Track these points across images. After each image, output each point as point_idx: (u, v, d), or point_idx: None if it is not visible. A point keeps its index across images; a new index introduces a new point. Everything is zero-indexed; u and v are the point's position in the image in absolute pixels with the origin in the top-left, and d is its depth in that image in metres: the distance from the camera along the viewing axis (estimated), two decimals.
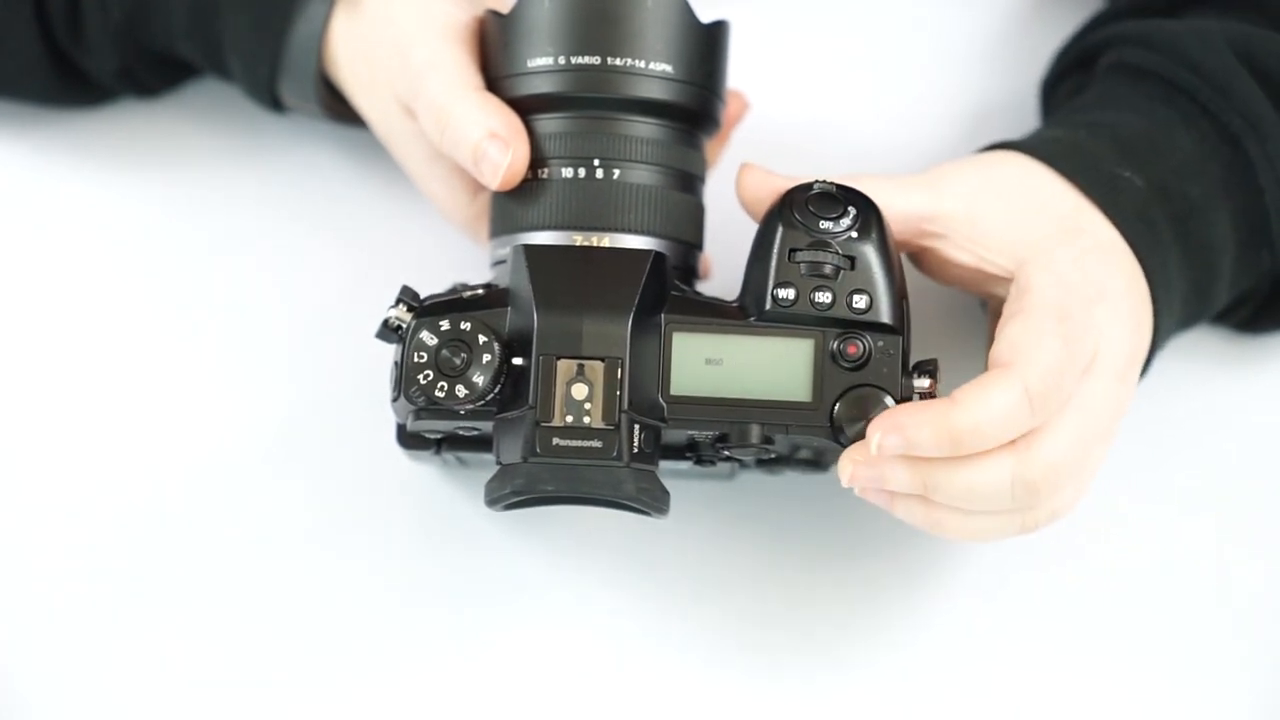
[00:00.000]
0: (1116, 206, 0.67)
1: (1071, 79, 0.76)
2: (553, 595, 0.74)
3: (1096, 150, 0.68)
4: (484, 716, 0.73)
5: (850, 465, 0.63)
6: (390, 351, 0.66)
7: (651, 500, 0.62)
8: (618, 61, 0.65)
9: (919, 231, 0.67)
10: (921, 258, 0.69)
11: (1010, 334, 0.63)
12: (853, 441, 0.63)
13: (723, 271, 0.71)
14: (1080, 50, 0.75)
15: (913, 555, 0.74)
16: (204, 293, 0.78)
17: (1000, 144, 0.70)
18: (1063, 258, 0.65)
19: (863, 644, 0.73)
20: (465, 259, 0.75)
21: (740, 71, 0.70)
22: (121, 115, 0.81)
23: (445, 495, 0.75)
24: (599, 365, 0.62)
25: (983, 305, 0.72)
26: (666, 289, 0.64)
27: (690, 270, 0.67)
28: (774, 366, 0.64)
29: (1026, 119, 0.79)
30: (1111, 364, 0.64)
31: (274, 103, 0.76)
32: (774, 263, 0.64)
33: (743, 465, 0.69)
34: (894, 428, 0.61)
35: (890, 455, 0.62)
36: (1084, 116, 0.71)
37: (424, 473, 0.75)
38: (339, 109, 0.75)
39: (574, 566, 0.74)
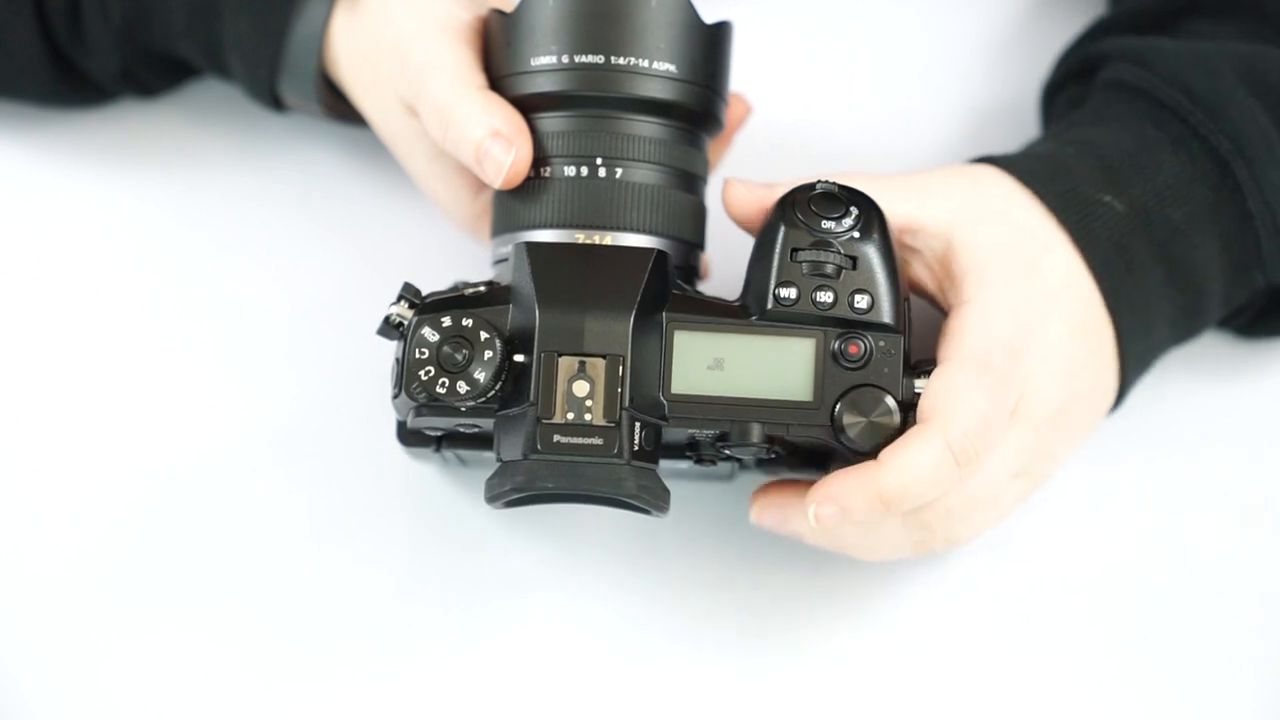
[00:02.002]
0: (1089, 236, 0.67)
1: (1071, 89, 0.76)
2: (552, 594, 0.74)
3: (1080, 172, 0.68)
4: (483, 714, 0.73)
5: (759, 511, 0.68)
6: (391, 350, 0.66)
7: (652, 498, 0.62)
8: (621, 61, 0.65)
9: (895, 238, 0.67)
10: None
11: (934, 385, 0.64)
12: (854, 440, 0.63)
13: (723, 271, 0.71)
14: (1080, 60, 0.75)
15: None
16: (205, 292, 0.78)
17: (990, 158, 0.70)
18: (1003, 302, 0.65)
19: (863, 644, 0.73)
20: (466, 258, 0.75)
21: (742, 73, 0.71)
22: (121, 115, 0.81)
23: (445, 493, 0.75)
24: (600, 362, 0.62)
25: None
26: (668, 287, 0.64)
27: (692, 270, 0.68)
28: (775, 366, 0.64)
29: (1027, 122, 0.79)
30: (1035, 410, 0.65)
31: (274, 102, 0.76)
32: (776, 262, 0.64)
33: (743, 465, 0.69)
34: (828, 498, 0.63)
35: (829, 525, 0.63)
36: (1075, 133, 0.71)
37: (424, 471, 0.75)
38: (340, 108, 0.75)
39: (573, 566, 0.74)
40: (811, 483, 0.65)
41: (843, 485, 0.63)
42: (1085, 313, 0.67)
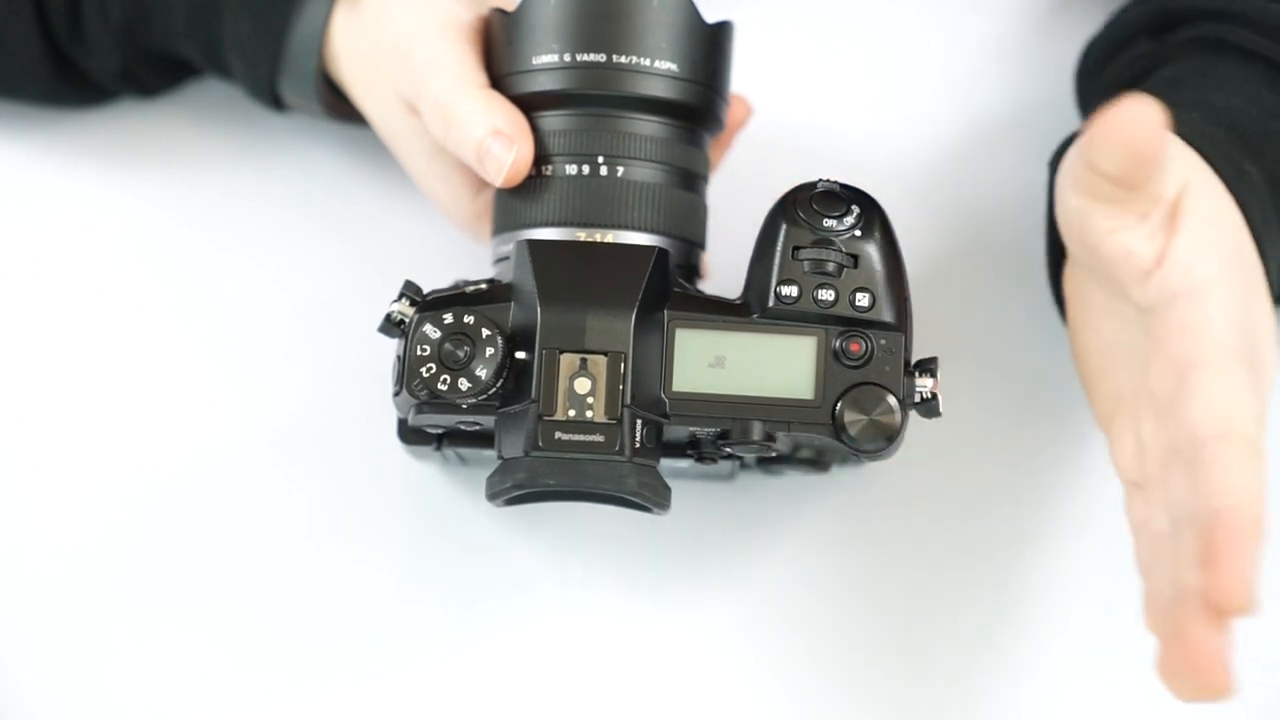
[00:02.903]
0: (1245, 204, 0.64)
1: (1142, 44, 0.73)
2: (552, 593, 0.74)
3: (1218, 137, 0.65)
4: (483, 713, 0.73)
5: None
6: (392, 349, 0.66)
7: (653, 495, 0.63)
8: (623, 59, 0.65)
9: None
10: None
11: (1217, 390, 0.59)
12: (855, 439, 0.63)
13: (724, 272, 0.71)
14: (1156, 15, 0.72)
15: (913, 557, 0.74)
16: (205, 292, 0.78)
17: None
18: (1230, 287, 0.62)
19: (863, 645, 0.73)
20: (467, 258, 0.75)
21: (744, 74, 0.71)
22: (121, 115, 0.81)
23: (446, 493, 0.75)
24: (602, 360, 0.62)
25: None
26: (669, 286, 0.64)
27: (693, 269, 0.68)
28: (777, 364, 0.64)
29: (1029, 123, 0.79)
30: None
31: (275, 102, 0.76)
32: (777, 260, 0.64)
33: (743, 464, 0.69)
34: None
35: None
36: (1183, 95, 0.68)
37: (425, 470, 0.75)
38: (340, 108, 0.75)
39: (574, 564, 0.74)
40: None
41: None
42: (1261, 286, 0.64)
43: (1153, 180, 0.60)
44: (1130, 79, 0.72)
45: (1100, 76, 0.75)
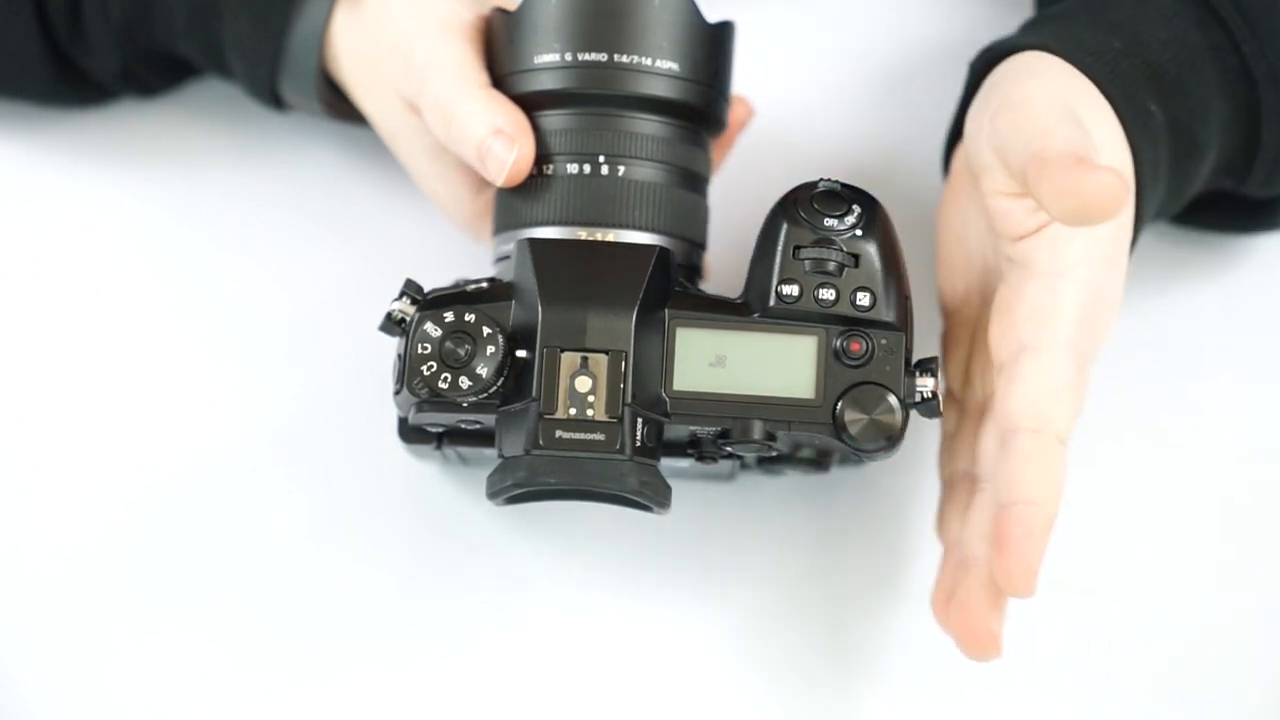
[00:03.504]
0: (1139, 146, 0.66)
1: None
2: (552, 592, 0.74)
3: (1132, 75, 0.67)
4: (484, 712, 0.73)
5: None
6: (392, 349, 0.66)
7: (653, 494, 0.63)
8: (624, 59, 0.65)
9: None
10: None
11: (1035, 382, 0.63)
12: (855, 438, 0.63)
13: (725, 271, 0.71)
14: None
15: (913, 557, 0.74)
16: (205, 291, 0.78)
17: (1036, 44, 0.68)
18: (1085, 266, 0.64)
19: (863, 645, 0.73)
20: (467, 258, 0.75)
21: (745, 76, 0.71)
22: (121, 115, 0.81)
23: (446, 492, 0.75)
24: (603, 358, 0.62)
25: None
26: (670, 285, 0.64)
27: (694, 268, 0.68)
28: (777, 363, 0.64)
29: None
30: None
31: (275, 101, 0.76)
32: (778, 259, 0.64)
33: (743, 464, 0.69)
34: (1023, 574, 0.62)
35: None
36: (1112, 16, 0.69)
37: (425, 470, 0.75)
38: (340, 107, 0.75)
39: (574, 564, 0.74)
40: None
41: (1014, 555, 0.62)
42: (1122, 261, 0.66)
43: None
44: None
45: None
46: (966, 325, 0.70)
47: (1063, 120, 0.63)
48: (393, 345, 0.65)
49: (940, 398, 0.64)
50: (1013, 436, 0.63)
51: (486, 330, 0.63)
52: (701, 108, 0.67)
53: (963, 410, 0.69)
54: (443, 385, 0.63)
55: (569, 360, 0.62)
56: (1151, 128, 0.66)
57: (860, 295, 0.64)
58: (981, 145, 0.66)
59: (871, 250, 0.64)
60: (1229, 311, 0.77)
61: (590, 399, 0.62)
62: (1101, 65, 0.66)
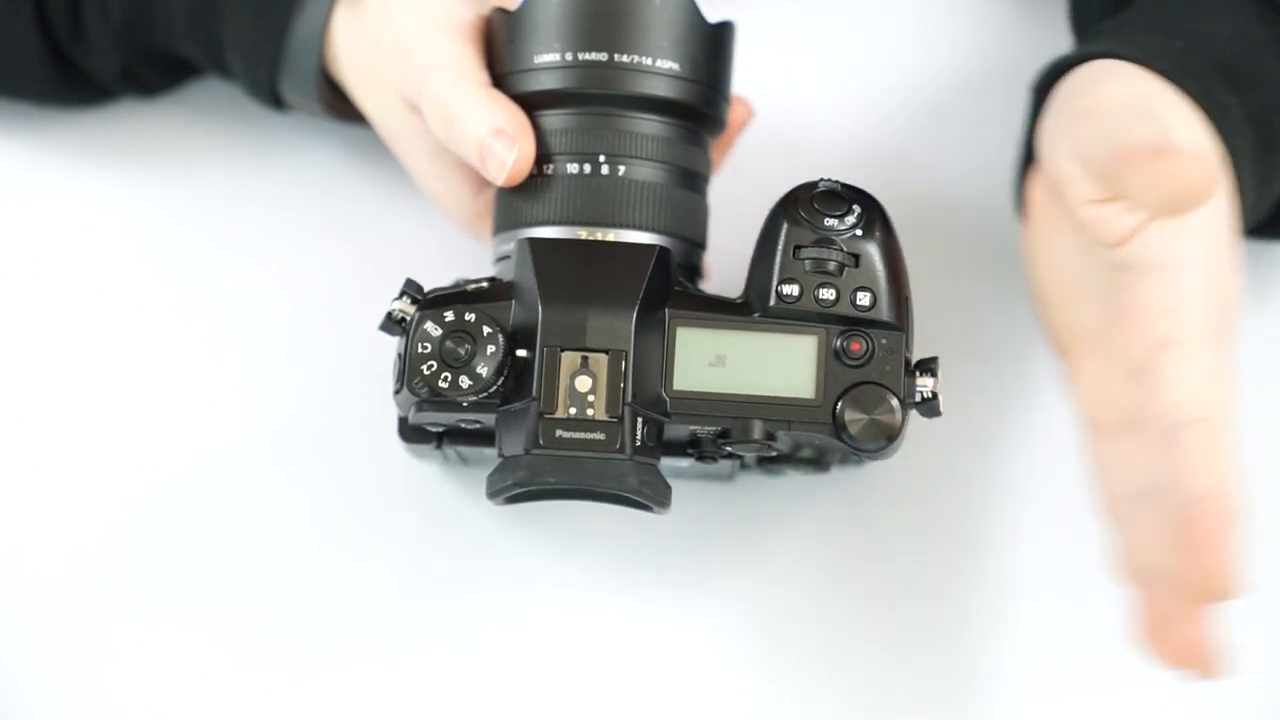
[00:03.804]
0: (1230, 136, 0.65)
1: None
2: (553, 592, 0.74)
3: (1201, 71, 0.66)
4: (484, 712, 0.73)
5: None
6: (392, 349, 0.66)
7: (653, 494, 0.63)
8: (625, 58, 0.65)
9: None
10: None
11: (1185, 374, 0.60)
12: (855, 438, 0.63)
13: (725, 271, 0.71)
14: None
15: (913, 557, 0.74)
16: (205, 291, 0.78)
17: (1100, 52, 0.67)
18: (1204, 255, 0.63)
19: (864, 646, 0.73)
20: (467, 257, 0.75)
21: (745, 76, 0.71)
22: (121, 115, 0.81)
23: (446, 492, 0.75)
24: (603, 358, 0.62)
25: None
26: (670, 284, 0.64)
27: (694, 268, 0.68)
28: (777, 363, 0.64)
29: None
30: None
31: (275, 101, 0.76)
32: (778, 259, 0.64)
33: (743, 464, 0.69)
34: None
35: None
36: (1167, 20, 0.68)
37: (425, 470, 0.75)
38: (340, 107, 0.75)
39: (574, 564, 0.74)
40: None
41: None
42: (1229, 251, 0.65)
43: None
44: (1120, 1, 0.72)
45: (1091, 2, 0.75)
46: (1095, 356, 0.66)
47: (1140, 116, 0.62)
48: (393, 345, 0.65)
49: (940, 397, 0.64)
50: (1176, 432, 0.60)
51: (487, 330, 0.63)
52: (701, 108, 0.67)
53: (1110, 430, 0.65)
54: (443, 385, 0.63)
55: (569, 360, 0.62)
56: (1232, 119, 0.65)
57: (860, 295, 0.64)
58: (1060, 158, 0.64)
59: (872, 250, 0.64)
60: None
61: (590, 398, 0.62)
62: (1170, 64, 0.65)
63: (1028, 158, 0.70)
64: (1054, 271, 0.67)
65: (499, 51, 0.67)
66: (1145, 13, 0.70)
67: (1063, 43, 0.78)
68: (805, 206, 0.64)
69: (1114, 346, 0.64)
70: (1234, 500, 0.59)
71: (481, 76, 0.67)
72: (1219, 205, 0.63)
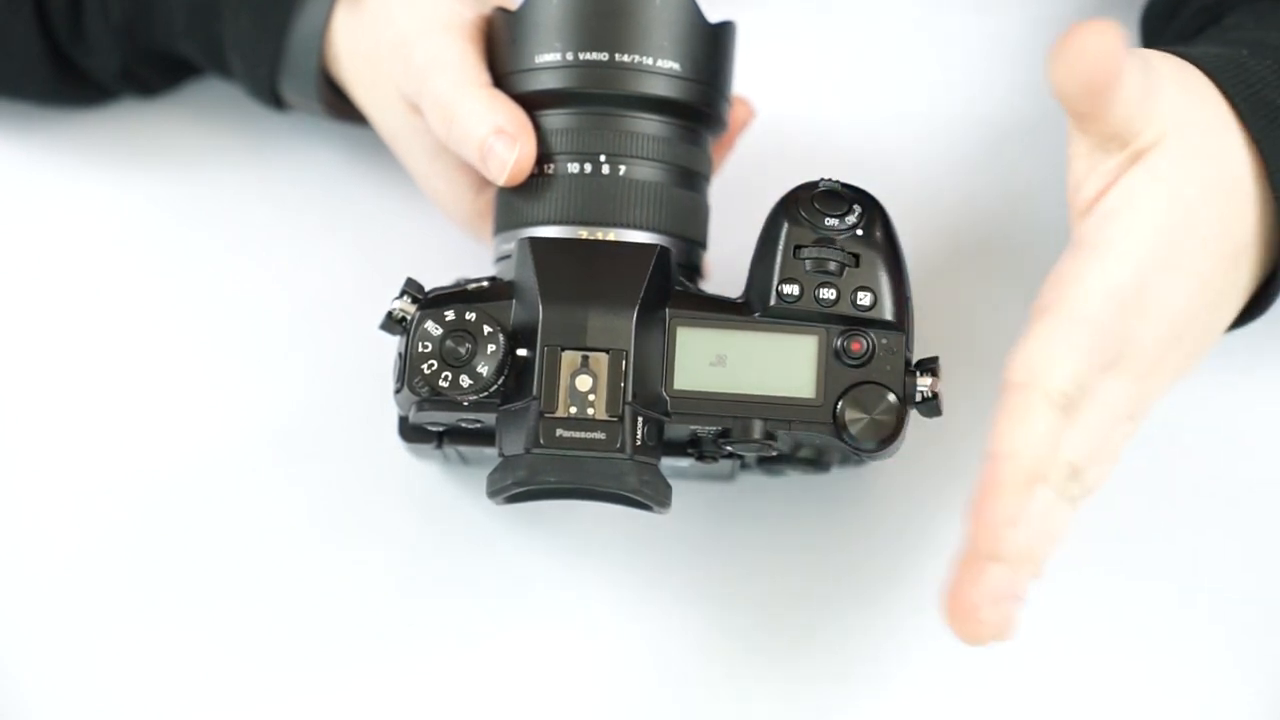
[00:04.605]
0: (1272, 142, 0.63)
1: (1197, 2, 0.72)
2: (553, 592, 0.74)
3: (1260, 73, 0.64)
4: (484, 712, 0.72)
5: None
6: (392, 348, 0.66)
7: (654, 494, 0.63)
8: (625, 58, 0.65)
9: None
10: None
11: (1032, 342, 0.59)
12: (856, 437, 0.63)
13: (725, 271, 0.71)
14: None
15: (914, 558, 0.74)
16: (205, 291, 0.78)
17: (1173, 49, 0.65)
18: (1137, 245, 0.60)
19: (864, 646, 0.73)
20: (468, 257, 0.75)
21: (746, 76, 0.71)
22: (121, 115, 0.81)
23: (447, 492, 0.75)
24: (603, 357, 0.62)
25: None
26: (671, 284, 0.65)
27: (694, 268, 0.68)
28: (778, 362, 0.64)
29: (1035, 122, 0.79)
30: (1137, 364, 0.61)
31: (275, 101, 0.76)
32: (779, 259, 0.64)
33: (744, 464, 0.69)
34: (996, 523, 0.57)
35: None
36: (1238, 35, 0.67)
37: (425, 470, 0.75)
38: (341, 107, 0.75)
39: (574, 564, 0.74)
40: None
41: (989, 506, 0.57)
42: (1243, 229, 0.63)
43: (1111, 115, 0.59)
44: (1194, 34, 0.72)
45: (1163, 36, 0.74)
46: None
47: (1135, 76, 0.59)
48: (393, 345, 0.65)
49: (940, 397, 0.64)
50: (1003, 392, 0.59)
51: (487, 329, 0.63)
52: (702, 107, 0.67)
53: None
54: (443, 384, 0.63)
55: (569, 359, 0.62)
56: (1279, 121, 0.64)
57: (861, 295, 0.64)
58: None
59: (872, 250, 0.64)
60: None
61: (591, 398, 0.62)
62: (1220, 63, 0.64)
63: None
64: None
65: (500, 51, 0.67)
66: (1215, 35, 0.68)
67: (1057, 28, 0.78)
68: (806, 206, 0.64)
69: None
70: (1023, 467, 0.57)
71: (482, 76, 0.67)
72: (1189, 196, 0.61)
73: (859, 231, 0.64)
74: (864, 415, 0.63)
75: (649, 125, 0.66)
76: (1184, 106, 0.62)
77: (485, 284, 0.65)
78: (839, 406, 0.63)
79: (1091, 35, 0.56)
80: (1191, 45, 0.67)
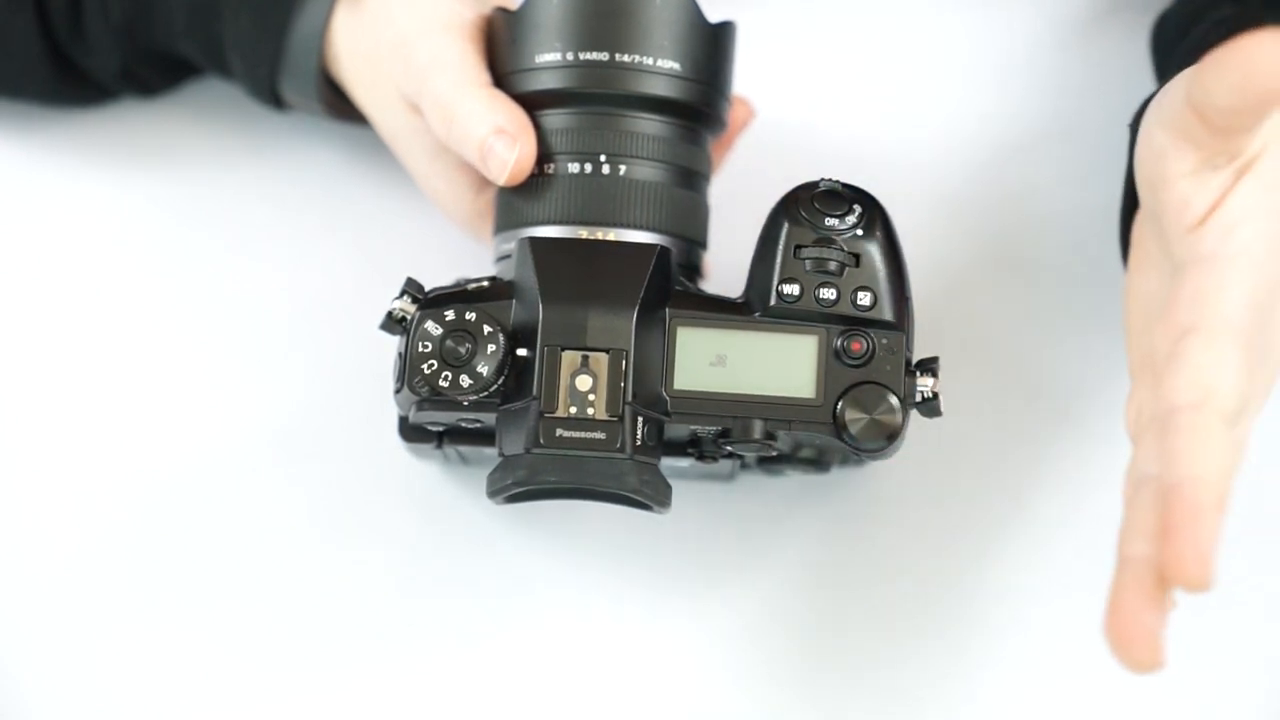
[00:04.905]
0: None
1: (1219, 11, 0.71)
2: (551, 593, 0.74)
3: None
4: (482, 712, 0.72)
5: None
6: (392, 348, 0.66)
7: (654, 494, 0.63)
8: (625, 58, 0.65)
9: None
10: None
11: (1198, 360, 0.58)
12: (856, 437, 0.63)
13: (725, 271, 0.71)
14: None
15: (913, 557, 0.74)
16: (205, 291, 0.78)
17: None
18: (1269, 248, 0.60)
19: (864, 646, 0.73)
20: (468, 257, 0.75)
21: (746, 77, 0.71)
22: (122, 115, 0.81)
23: (447, 492, 0.74)
24: (604, 357, 0.62)
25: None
26: (671, 284, 0.65)
27: (694, 268, 0.68)
28: (778, 362, 0.64)
29: (1035, 122, 0.80)
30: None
31: (275, 101, 0.76)
32: (779, 259, 0.64)
33: (744, 464, 0.70)
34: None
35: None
36: None
37: (425, 470, 0.75)
38: (340, 107, 0.75)
39: (574, 564, 0.74)
40: None
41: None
42: None
43: (1246, 131, 0.59)
44: (1215, 44, 0.71)
45: (1181, 44, 0.73)
46: (1143, 368, 0.64)
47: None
48: (393, 345, 0.65)
49: (940, 397, 0.64)
50: (1175, 416, 0.57)
51: (487, 329, 0.63)
52: (702, 107, 0.67)
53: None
54: (443, 384, 0.63)
55: (570, 359, 0.62)
56: None
57: (861, 295, 0.64)
58: (1154, 134, 0.62)
59: (872, 250, 0.64)
60: None
61: (591, 398, 0.62)
62: None
63: (1131, 202, 0.68)
64: (1140, 301, 0.65)
65: (500, 51, 0.68)
66: None
67: (1057, 29, 0.78)
68: (806, 206, 0.64)
69: (1153, 349, 0.62)
70: (1218, 491, 0.56)
71: (482, 76, 0.67)
72: None
73: (859, 231, 0.64)
74: (864, 415, 0.63)
75: (649, 125, 0.66)
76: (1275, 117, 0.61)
77: (485, 284, 0.65)
78: (839, 406, 0.63)
79: (1263, 46, 0.55)
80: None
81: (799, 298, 0.64)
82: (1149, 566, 0.57)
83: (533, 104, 0.66)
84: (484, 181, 0.71)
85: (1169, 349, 0.59)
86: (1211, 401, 0.57)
